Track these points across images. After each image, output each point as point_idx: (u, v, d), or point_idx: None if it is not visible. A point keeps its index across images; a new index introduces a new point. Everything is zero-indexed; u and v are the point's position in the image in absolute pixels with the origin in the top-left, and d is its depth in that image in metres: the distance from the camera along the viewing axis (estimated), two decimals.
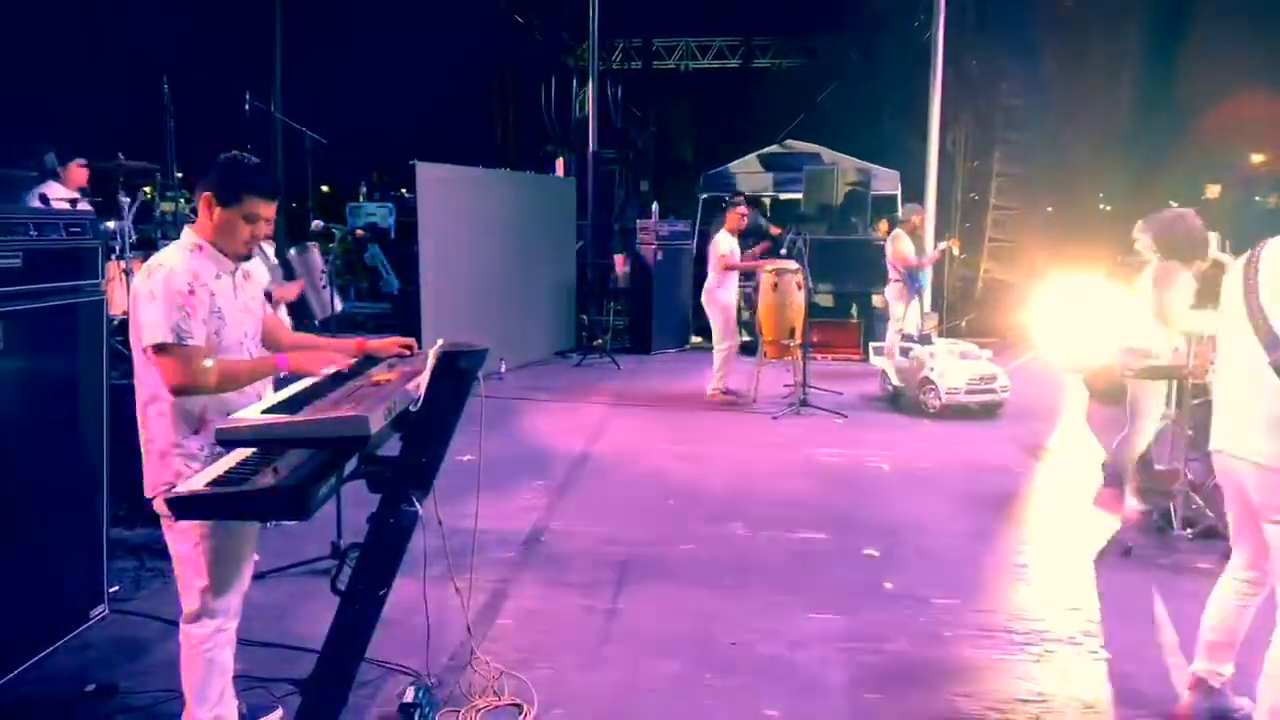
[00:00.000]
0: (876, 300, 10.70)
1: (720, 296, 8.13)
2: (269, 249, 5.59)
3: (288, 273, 5.88)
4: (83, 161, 6.29)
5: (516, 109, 16.37)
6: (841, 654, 3.55)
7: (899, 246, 8.97)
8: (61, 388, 3.38)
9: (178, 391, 2.43)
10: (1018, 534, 5.01)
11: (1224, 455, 2.85)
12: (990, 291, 12.59)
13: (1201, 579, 4.25)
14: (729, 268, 8.05)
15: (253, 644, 3.24)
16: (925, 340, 8.29)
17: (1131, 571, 4.41)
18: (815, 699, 3.23)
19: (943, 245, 9.85)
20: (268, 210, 2.60)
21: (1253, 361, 2.68)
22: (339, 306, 5.73)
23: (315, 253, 6.14)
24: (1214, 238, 5.01)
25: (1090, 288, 6.15)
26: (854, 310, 11.06)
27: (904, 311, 9.01)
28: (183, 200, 6.83)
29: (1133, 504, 5.00)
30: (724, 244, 8.04)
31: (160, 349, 2.40)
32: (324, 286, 5.92)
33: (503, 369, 9.00)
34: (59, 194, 5.74)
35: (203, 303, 2.48)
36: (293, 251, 5.93)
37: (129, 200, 5.44)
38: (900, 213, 10.04)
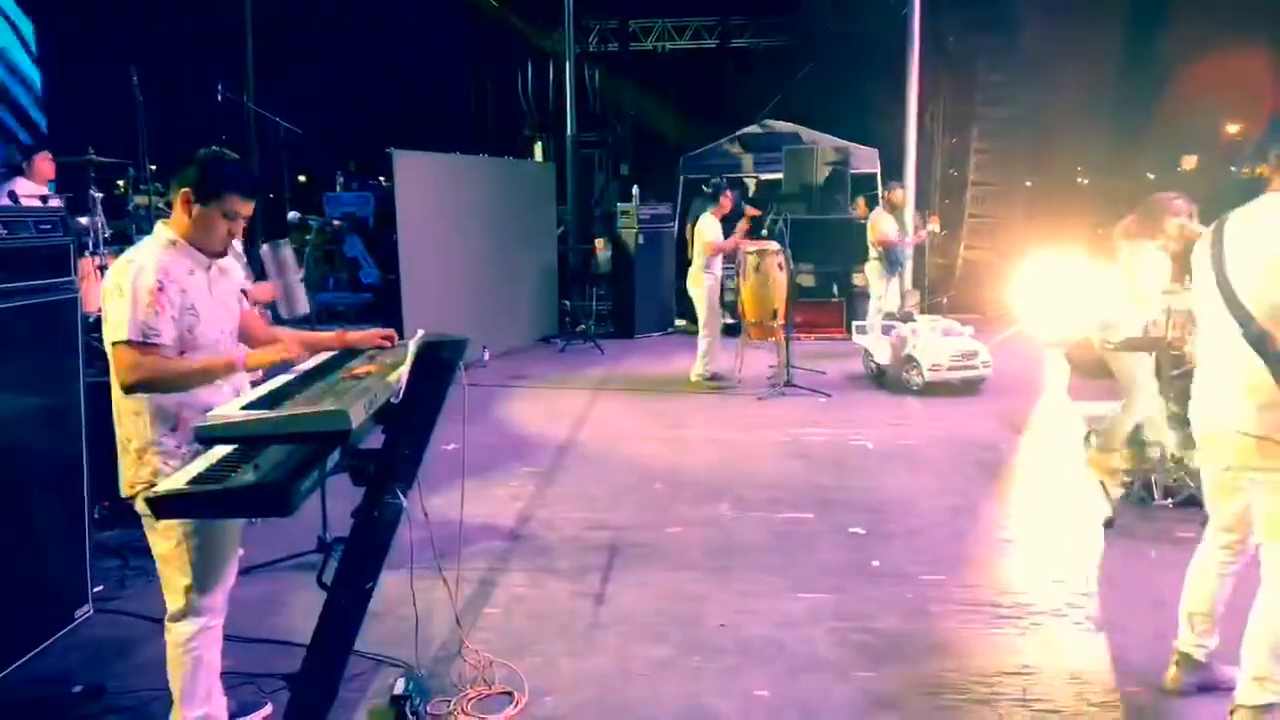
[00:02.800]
0: (857, 279, 10.73)
1: (704, 280, 8.12)
2: (238, 245, 5.50)
3: (259, 270, 5.80)
4: (48, 154, 6.20)
5: (493, 94, 16.23)
6: (830, 633, 3.57)
7: (879, 225, 8.99)
8: (38, 387, 3.34)
9: (129, 389, 2.40)
10: (1002, 508, 5.05)
11: (1202, 424, 2.87)
12: (971, 268, 12.64)
13: (1183, 548, 4.29)
14: (716, 252, 8.04)
15: (240, 640, 3.22)
16: (907, 318, 8.32)
17: (1114, 542, 4.45)
18: (805, 678, 3.25)
19: (928, 229, 9.86)
20: (246, 209, 2.58)
21: (1226, 333, 2.70)
22: (304, 309, 5.62)
23: (288, 249, 6.07)
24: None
25: (1070, 262, 6.18)
26: (835, 289, 11.08)
27: (884, 289, 9.04)
28: (155, 194, 6.74)
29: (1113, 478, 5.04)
30: (709, 230, 8.03)
31: (121, 345, 2.37)
32: (298, 284, 5.83)
33: (486, 356, 8.97)
34: (28, 190, 5.66)
35: (173, 300, 2.44)
36: (265, 248, 5.85)
37: (100, 195, 5.37)
38: (881, 191, 10.06)
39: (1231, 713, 2.77)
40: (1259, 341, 2.62)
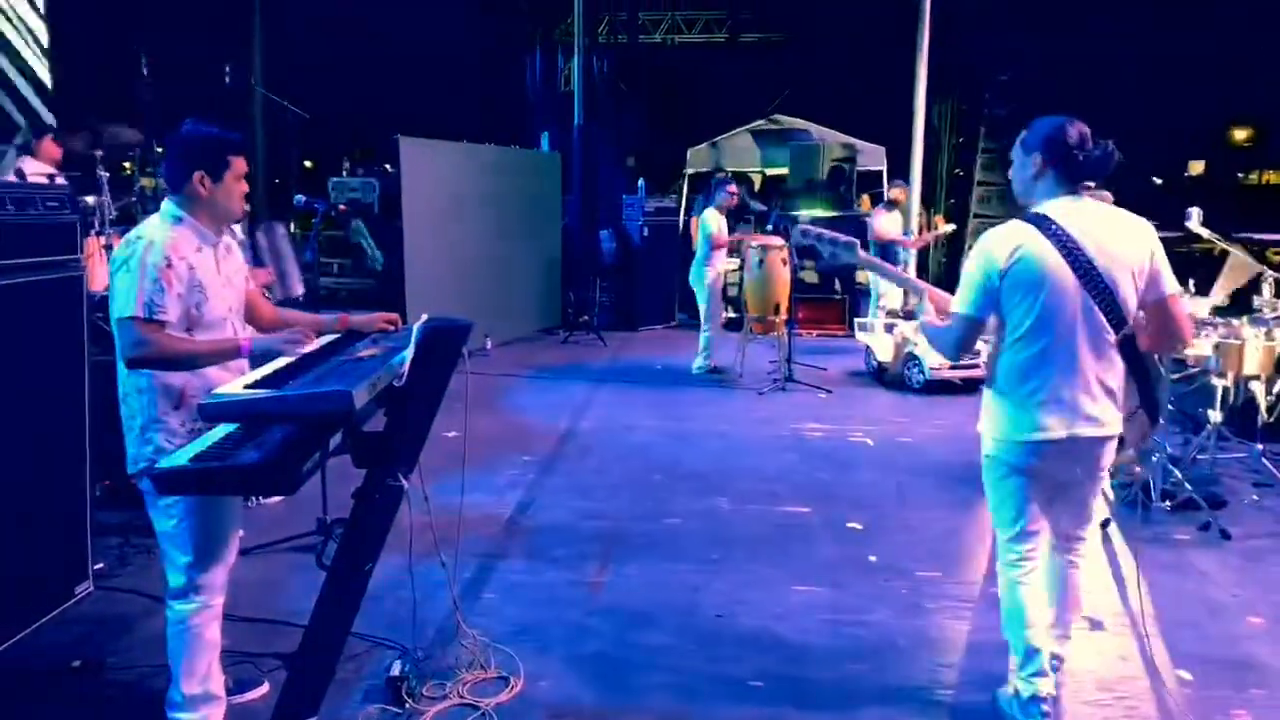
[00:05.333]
0: (860, 276, 10.73)
1: (707, 274, 8.13)
2: (238, 230, 5.52)
3: (256, 255, 5.81)
4: (55, 136, 6.21)
5: (502, 83, 16.21)
6: (825, 625, 3.59)
7: (880, 223, 8.99)
8: (41, 365, 3.36)
9: (132, 364, 2.44)
10: None
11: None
12: (963, 266, 12.63)
13: (1179, 550, 4.33)
14: (719, 246, 8.04)
15: (239, 619, 3.25)
16: (909, 316, 8.32)
17: (1111, 543, 4.47)
18: (799, 670, 3.27)
19: (935, 232, 9.83)
20: (245, 164, 2.65)
21: None
22: (299, 291, 5.63)
23: (280, 229, 6.06)
24: (1195, 213, 5.04)
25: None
26: (839, 286, 11.08)
27: (886, 286, 9.04)
28: (160, 177, 6.74)
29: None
30: (712, 222, 8.03)
31: (127, 320, 2.39)
32: (292, 264, 5.83)
33: (488, 345, 8.98)
34: (36, 169, 5.67)
35: (181, 277, 2.46)
36: (259, 234, 5.85)
37: (107, 175, 5.38)
38: (885, 188, 10.05)
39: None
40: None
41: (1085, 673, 3.25)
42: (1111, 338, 2.64)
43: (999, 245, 2.67)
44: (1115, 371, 2.70)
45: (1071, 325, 2.63)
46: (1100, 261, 2.60)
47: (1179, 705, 3.06)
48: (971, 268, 2.73)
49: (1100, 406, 2.69)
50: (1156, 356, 2.83)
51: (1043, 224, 2.64)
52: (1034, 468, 2.75)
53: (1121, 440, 2.81)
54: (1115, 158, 2.67)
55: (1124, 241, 2.65)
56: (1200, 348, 4.87)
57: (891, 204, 9.22)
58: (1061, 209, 2.66)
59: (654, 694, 3.11)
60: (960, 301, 2.74)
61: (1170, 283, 2.70)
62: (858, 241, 3.13)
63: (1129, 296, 2.64)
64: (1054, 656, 2.93)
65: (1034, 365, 2.67)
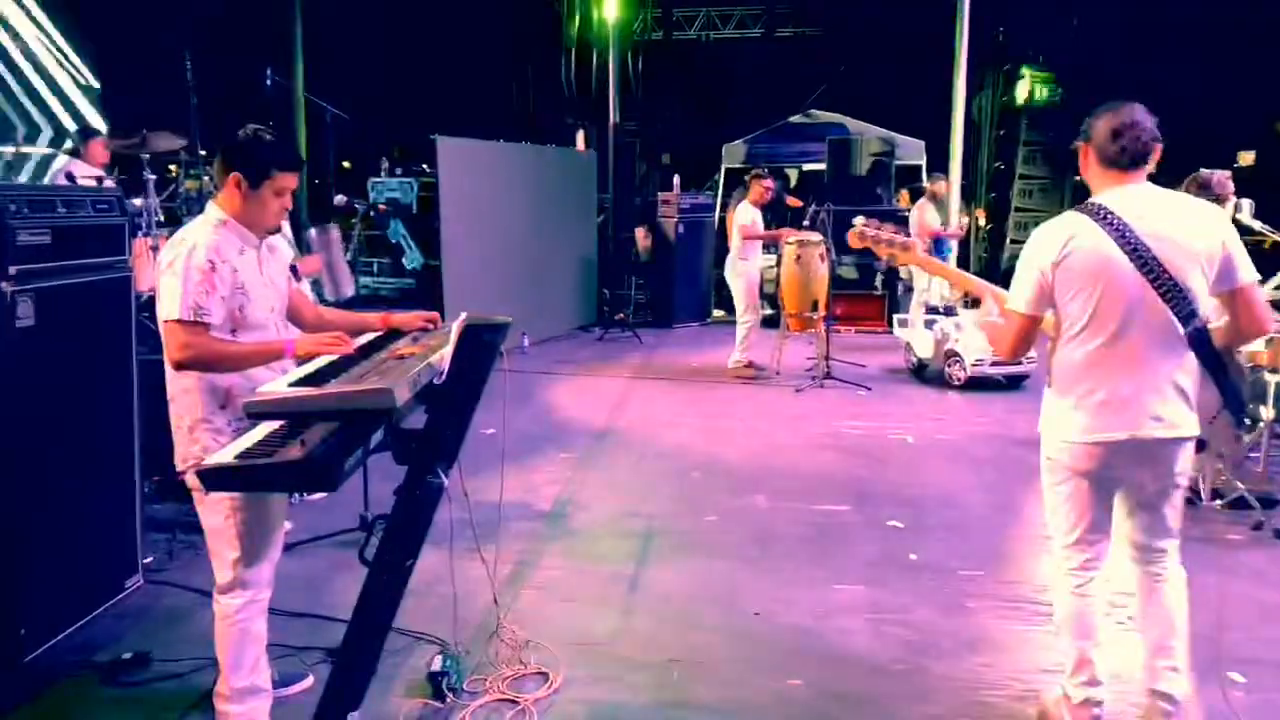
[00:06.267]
0: (901, 271, 10.62)
1: (742, 269, 8.08)
2: (287, 229, 5.61)
3: (306, 252, 5.91)
4: (103, 139, 6.34)
5: (537, 82, 16.27)
6: (866, 624, 3.56)
7: (924, 216, 8.88)
8: (92, 363, 3.43)
9: (179, 366, 2.47)
10: (1043, 506, 4.97)
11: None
12: (1016, 263, 12.45)
13: (1230, 550, 4.23)
14: (749, 237, 7.99)
15: (283, 614, 3.30)
16: (950, 312, 8.22)
17: None
18: (840, 668, 3.24)
19: (965, 220, 9.70)
20: (293, 182, 2.64)
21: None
22: (350, 291, 5.70)
23: (335, 231, 6.15)
24: (1247, 205, 4.91)
25: None
26: (878, 282, 10.97)
27: (928, 282, 8.93)
28: (206, 178, 6.87)
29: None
30: (745, 214, 7.98)
31: (172, 323, 2.43)
32: (344, 265, 5.92)
33: (526, 343, 9.03)
34: (84, 171, 5.79)
35: (224, 279, 2.50)
36: (313, 231, 5.94)
37: (154, 178, 5.49)
38: (925, 182, 9.93)
39: None
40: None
41: (1132, 675, 3.18)
42: (1181, 332, 2.46)
43: (1050, 238, 2.56)
44: (1187, 369, 2.51)
45: (1132, 320, 2.47)
46: (1162, 251, 2.43)
47: (1229, 708, 2.98)
48: (1023, 262, 2.62)
49: (1170, 406, 2.51)
50: (1234, 352, 2.67)
51: (1097, 213, 2.50)
52: (1094, 471, 2.59)
53: (1203, 444, 2.63)
54: (1154, 140, 2.52)
55: (1190, 229, 2.47)
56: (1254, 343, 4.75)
57: (933, 197, 9.11)
58: (1119, 197, 2.52)
59: (693, 692, 3.10)
60: (1013, 298, 2.64)
61: (1246, 270, 2.50)
62: (918, 242, 3.07)
63: (1198, 287, 2.45)
64: (1159, 694, 2.65)
65: (1092, 362, 2.53)
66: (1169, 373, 2.51)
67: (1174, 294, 2.43)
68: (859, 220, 3.21)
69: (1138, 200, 2.51)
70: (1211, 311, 2.53)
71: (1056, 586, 2.81)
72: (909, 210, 10.35)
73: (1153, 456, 2.56)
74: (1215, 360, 2.50)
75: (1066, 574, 2.75)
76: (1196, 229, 2.48)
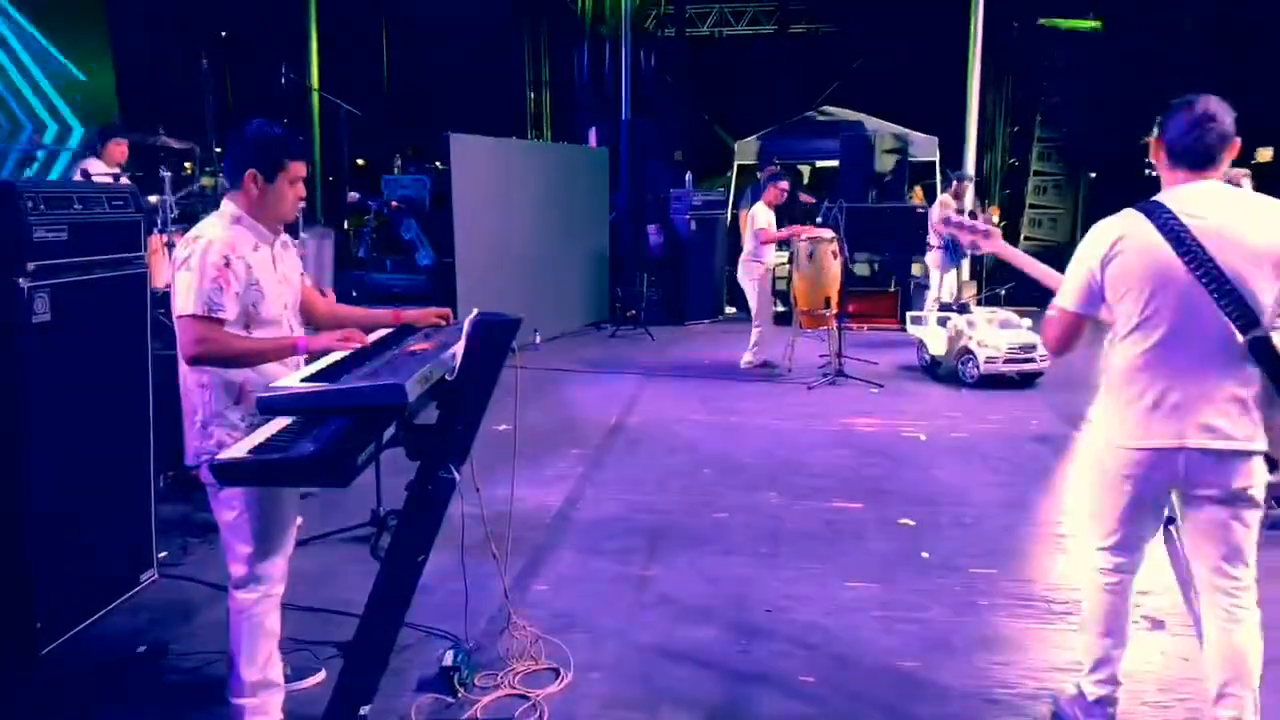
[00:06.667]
0: (916, 269, 10.58)
1: (755, 268, 8.07)
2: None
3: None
4: (121, 140, 6.38)
5: (550, 79, 16.29)
6: (878, 622, 3.55)
7: (945, 212, 8.84)
8: (107, 359, 3.46)
9: (193, 361, 2.49)
10: (1057, 504, 4.96)
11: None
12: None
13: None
14: (766, 241, 7.99)
15: (296, 608, 3.31)
16: (963, 309, 8.18)
17: (1176, 543, 4.33)
18: (851, 667, 3.24)
19: (983, 219, 9.64)
20: (304, 170, 2.67)
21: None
22: (328, 294, 5.71)
23: (329, 240, 6.12)
24: None
25: None
26: (891, 280, 10.93)
27: (941, 279, 8.91)
28: (221, 175, 6.90)
29: None
30: (761, 216, 7.98)
31: (187, 318, 2.44)
32: (325, 273, 5.91)
33: (538, 340, 9.04)
34: (100, 170, 5.84)
35: (239, 275, 2.51)
36: (309, 233, 5.91)
37: (169, 175, 5.52)
38: (939, 179, 9.89)
39: None
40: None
41: (1146, 673, 3.17)
42: (1240, 340, 2.32)
43: (1100, 235, 2.48)
44: (1247, 377, 2.36)
45: (1186, 323, 2.36)
46: (1222, 254, 2.31)
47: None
48: (1075, 258, 2.54)
49: (1226, 417, 2.37)
50: None
51: (1153, 211, 2.39)
52: (1140, 478, 2.49)
53: (1272, 461, 2.44)
54: (1228, 137, 2.40)
55: (1256, 230, 2.33)
56: None
57: (957, 196, 9.08)
58: (1180, 195, 2.41)
59: (703, 688, 3.11)
60: (1061, 293, 2.56)
61: None
62: (999, 232, 3.01)
63: (1262, 292, 2.31)
64: None
65: (1143, 366, 2.43)
66: (1226, 381, 2.37)
67: (1231, 300, 2.30)
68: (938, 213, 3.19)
69: (1203, 199, 2.39)
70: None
71: (1087, 583, 2.75)
72: (922, 207, 10.32)
73: (1208, 470, 2.41)
74: (1277, 369, 2.33)
75: (1100, 572, 2.69)
76: (1264, 229, 2.34)
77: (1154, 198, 2.46)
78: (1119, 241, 2.44)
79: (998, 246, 2.97)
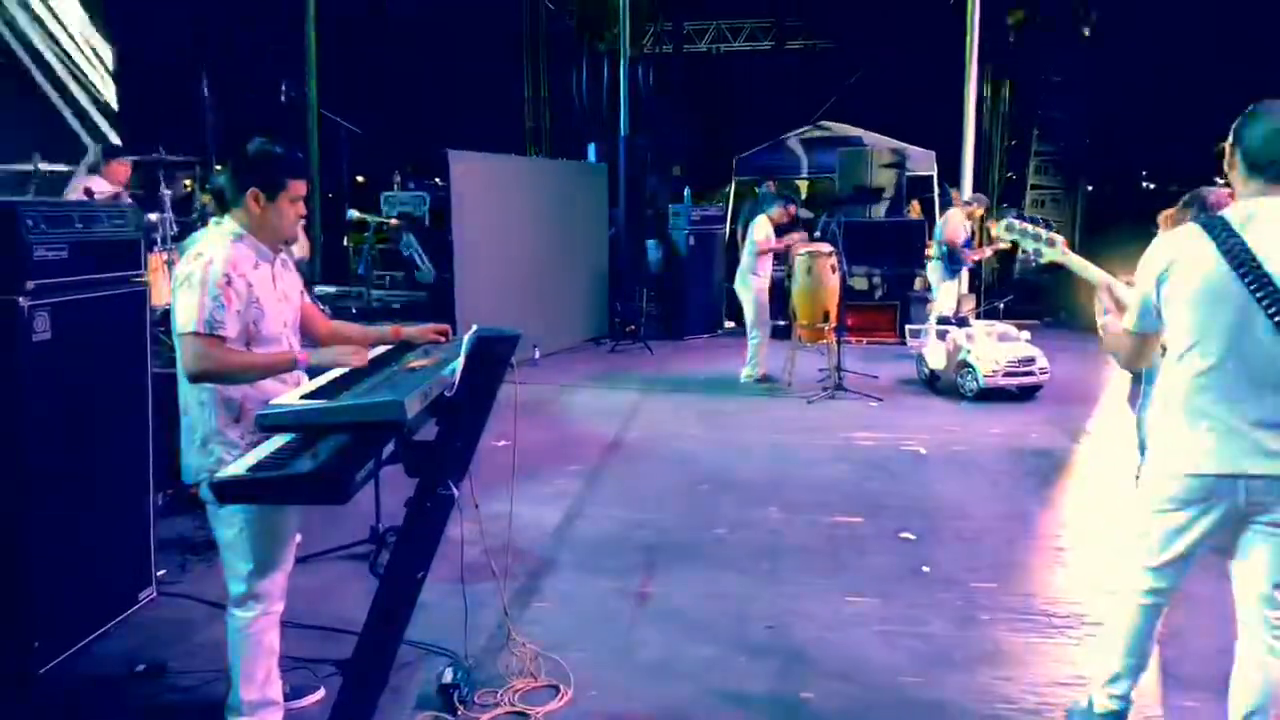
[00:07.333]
0: (918, 283, 10.60)
1: (754, 283, 8.09)
2: (303, 239, 5.65)
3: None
4: (124, 160, 6.41)
5: (548, 95, 16.37)
6: (879, 637, 3.54)
7: (952, 223, 8.88)
8: (107, 376, 3.46)
9: (194, 378, 2.49)
10: (1057, 517, 4.95)
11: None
12: (1028, 273, 12.42)
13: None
14: (764, 251, 8.02)
15: (295, 626, 3.30)
16: (962, 323, 8.20)
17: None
18: (852, 682, 3.22)
19: (991, 250, 9.65)
20: (305, 188, 2.69)
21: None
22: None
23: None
24: None
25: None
26: (890, 293, 10.95)
27: (941, 293, 8.92)
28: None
29: None
30: (760, 230, 8.02)
31: (189, 335, 2.45)
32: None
33: (537, 355, 9.05)
34: (102, 188, 5.87)
35: (240, 293, 2.52)
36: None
37: (170, 193, 5.55)
38: (964, 197, 9.89)
39: None
40: None
41: (1145, 686, 3.15)
42: None
43: (1157, 254, 2.42)
44: None
45: (1242, 346, 2.28)
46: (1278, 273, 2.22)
47: None
48: (1137, 277, 2.48)
49: None
50: None
51: (1213, 228, 2.31)
52: (1192, 504, 2.40)
53: None
54: None
55: None
56: None
57: (969, 215, 9.12)
58: (1246, 210, 2.31)
59: (704, 705, 3.09)
60: (1126, 315, 2.51)
61: None
62: (1062, 239, 2.92)
63: None
64: None
65: (1197, 389, 2.35)
66: None
67: None
68: (1009, 218, 3.09)
69: (1271, 213, 2.28)
70: None
71: (1121, 598, 2.69)
72: (920, 220, 10.35)
73: (1268, 497, 2.32)
74: None
75: (1137, 592, 2.62)
76: None
77: (1221, 211, 2.38)
78: (1175, 257, 2.37)
79: (1061, 254, 2.83)
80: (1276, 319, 2.23)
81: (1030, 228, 2.95)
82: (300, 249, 5.57)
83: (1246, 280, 2.25)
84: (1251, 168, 2.33)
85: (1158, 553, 2.54)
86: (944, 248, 8.71)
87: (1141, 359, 2.55)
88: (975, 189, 10.70)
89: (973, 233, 9.14)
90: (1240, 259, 2.25)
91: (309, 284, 4.49)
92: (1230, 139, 2.39)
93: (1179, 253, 2.37)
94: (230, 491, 2.21)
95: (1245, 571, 2.44)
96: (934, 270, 8.98)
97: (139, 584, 3.67)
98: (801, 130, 14.03)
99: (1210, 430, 2.34)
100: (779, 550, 4.44)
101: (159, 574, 3.83)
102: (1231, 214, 2.34)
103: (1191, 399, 2.38)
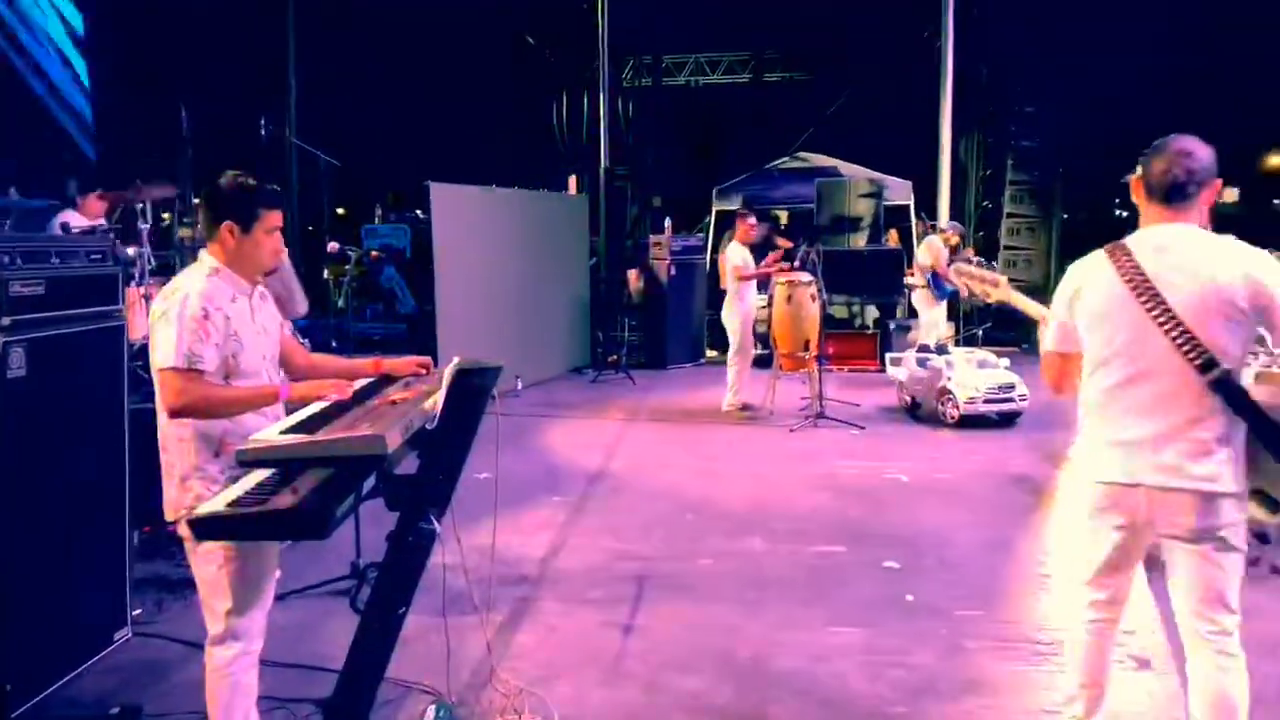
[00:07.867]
0: (899, 310, 10.70)
1: (738, 309, 8.12)
2: (292, 277, 5.58)
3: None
4: (100, 194, 6.38)
5: (529, 128, 16.47)
6: (863, 667, 3.53)
7: (934, 249, 8.98)
8: (83, 412, 3.42)
9: (174, 413, 2.46)
10: (1040, 544, 4.97)
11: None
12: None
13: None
14: (743, 278, 8.05)
15: (274, 665, 3.25)
16: (942, 350, 8.26)
17: (1157, 580, 4.35)
18: (837, 712, 3.21)
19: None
20: (280, 219, 2.67)
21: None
22: (304, 309, 5.64)
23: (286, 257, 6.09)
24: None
25: None
26: (869, 321, 11.03)
27: (929, 317, 9.02)
28: (198, 227, 6.91)
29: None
30: (735, 255, 8.05)
31: (167, 370, 2.43)
32: (294, 285, 5.86)
33: (519, 386, 9.03)
34: (79, 222, 5.83)
35: (218, 327, 2.51)
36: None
37: (147, 227, 5.52)
38: (940, 225, 10.02)
39: None
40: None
41: (1133, 715, 3.16)
42: (1200, 380, 2.32)
43: (1068, 278, 2.58)
44: (1214, 418, 2.34)
45: (1144, 362, 2.39)
46: (1177, 293, 2.32)
47: None
48: (1054, 300, 2.64)
49: (1187, 456, 2.35)
50: None
51: (1115, 253, 2.45)
52: (1109, 513, 2.51)
53: (1275, 501, 2.42)
54: (1203, 176, 2.41)
55: (1216, 271, 2.32)
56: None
57: (946, 243, 9.26)
58: (1146, 235, 2.45)
59: None
60: (1046, 337, 2.66)
61: None
62: (1004, 279, 3.03)
63: (1222, 333, 2.31)
64: None
65: (1108, 401, 2.48)
66: (1188, 421, 2.36)
67: (1187, 340, 2.31)
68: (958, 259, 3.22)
69: (1166, 238, 2.41)
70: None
71: (1076, 622, 2.75)
72: (899, 249, 10.46)
73: (1172, 508, 2.40)
74: (1247, 410, 2.32)
75: (1080, 608, 2.70)
76: (1223, 271, 2.32)
77: (1124, 238, 2.52)
78: (1083, 281, 2.52)
79: (1007, 294, 2.98)
80: (1172, 335, 2.33)
81: (975, 270, 3.09)
82: (300, 305, 5.57)
83: (1143, 300, 2.37)
84: (1150, 194, 2.47)
85: (1088, 564, 2.65)
86: (931, 274, 8.82)
87: (1065, 380, 2.64)
88: (952, 218, 10.84)
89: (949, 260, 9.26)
90: (1133, 281, 2.39)
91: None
92: (1138, 170, 2.52)
93: (1084, 278, 2.53)
94: (209, 528, 2.19)
95: (1177, 588, 2.54)
96: (921, 297, 9.07)
97: (114, 624, 3.60)
98: (780, 161, 14.19)
99: (1115, 441, 2.48)
100: (763, 580, 4.42)
101: (135, 614, 3.76)
102: (1133, 239, 2.48)
103: (1101, 411, 2.52)
